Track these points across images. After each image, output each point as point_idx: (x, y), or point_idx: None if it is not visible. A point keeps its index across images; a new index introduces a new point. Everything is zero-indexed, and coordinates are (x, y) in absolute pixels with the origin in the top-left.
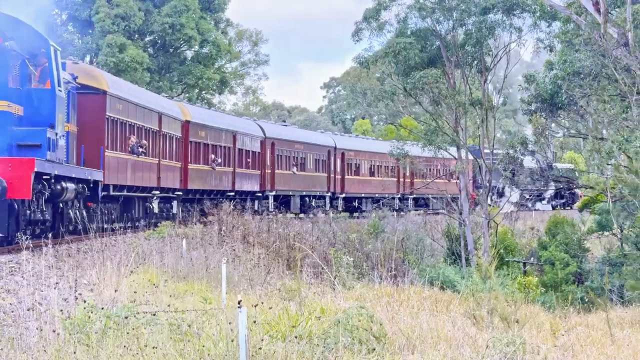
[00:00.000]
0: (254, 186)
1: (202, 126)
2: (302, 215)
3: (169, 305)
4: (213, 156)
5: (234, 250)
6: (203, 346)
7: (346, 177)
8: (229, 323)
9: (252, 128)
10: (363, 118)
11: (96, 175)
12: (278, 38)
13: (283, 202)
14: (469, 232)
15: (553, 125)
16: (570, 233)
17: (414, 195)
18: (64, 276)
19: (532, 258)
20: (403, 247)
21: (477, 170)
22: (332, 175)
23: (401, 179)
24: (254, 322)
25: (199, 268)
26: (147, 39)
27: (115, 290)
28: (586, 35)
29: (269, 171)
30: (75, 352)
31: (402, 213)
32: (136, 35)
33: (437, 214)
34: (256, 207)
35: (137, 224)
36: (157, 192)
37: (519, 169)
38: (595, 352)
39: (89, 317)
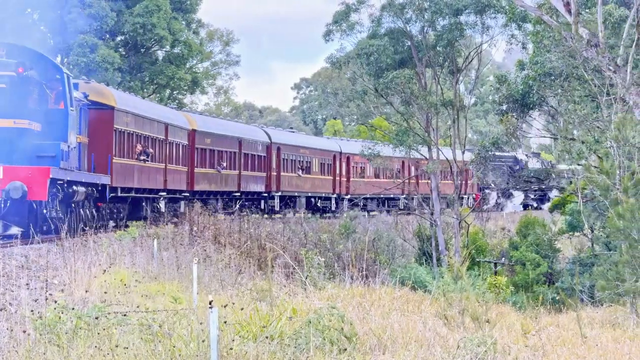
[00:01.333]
0: (259, 187)
1: (208, 134)
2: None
3: (138, 307)
4: (219, 161)
5: (205, 250)
6: (174, 346)
7: (351, 179)
8: (200, 323)
9: (258, 134)
10: (335, 118)
11: (104, 179)
12: (250, 38)
13: (289, 202)
14: (440, 232)
15: (524, 125)
16: (541, 233)
17: (419, 195)
18: (35, 276)
19: (503, 258)
20: (374, 248)
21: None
22: (337, 178)
23: (407, 181)
24: (225, 322)
25: (170, 268)
26: (119, 39)
27: (86, 291)
28: (557, 35)
29: (275, 174)
30: (45, 353)
31: (372, 213)
32: (107, 36)
33: (409, 214)
34: (262, 206)
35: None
36: (164, 193)
37: (489, 169)
38: (566, 352)
39: (60, 318)
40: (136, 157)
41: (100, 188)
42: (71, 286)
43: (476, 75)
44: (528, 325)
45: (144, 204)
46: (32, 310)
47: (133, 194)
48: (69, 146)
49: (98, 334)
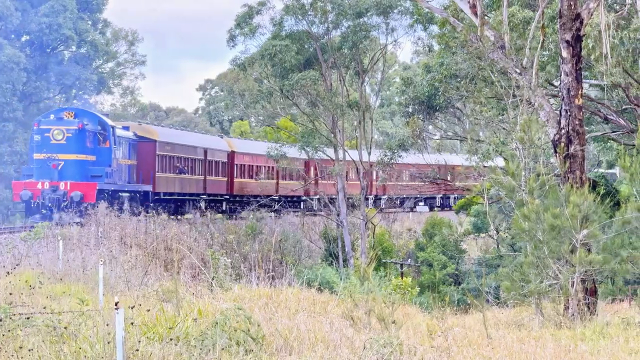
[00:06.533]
0: (298, 192)
1: (245, 154)
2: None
3: (45, 308)
4: (257, 173)
5: (111, 251)
6: (80, 348)
7: (387, 183)
8: (106, 325)
9: (296, 153)
10: (241, 119)
11: (145, 187)
12: (157, 36)
13: (328, 202)
14: (347, 233)
15: (430, 127)
16: (447, 234)
17: (455, 195)
18: None
19: (409, 259)
20: (281, 249)
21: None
22: (374, 183)
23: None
24: (131, 323)
25: (75, 269)
26: (24, 38)
27: None
28: (463, 37)
29: (313, 182)
30: None
31: (280, 215)
32: (12, 35)
33: (315, 215)
34: (302, 207)
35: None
36: (205, 196)
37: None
38: (472, 353)
39: None
40: (177, 171)
41: (142, 193)
42: None
43: (382, 77)
44: (434, 326)
45: (187, 203)
46: None
47: (176, 197)
48: (112, 169)
49: (3, 335)
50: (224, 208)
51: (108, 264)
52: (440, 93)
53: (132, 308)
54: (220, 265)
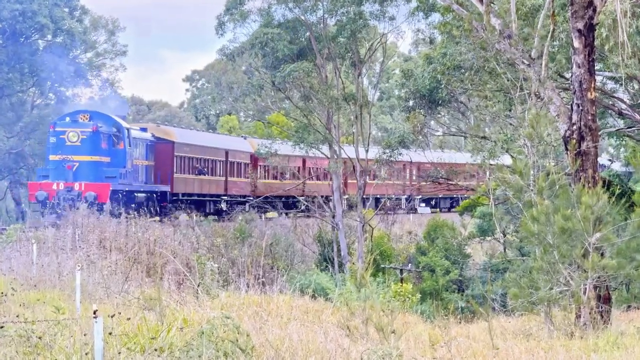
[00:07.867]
0: (325, 192)
1: (270, 155)
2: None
3: (17, 316)
4: (282, 174)
5: (89, 256)
6: (55, 359)
7: (421, 182)
8: (84, 334)
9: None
10: (229, 114)
11: (163, 188)
12: (140, 24)
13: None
14: (343, 236)
15: (432, 122)
16: (450, 238)
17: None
18: None
19: (409, 264)
20: (272, 253)
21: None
22: (408, 182)
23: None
24: (111, 333)
25: (51, 275)
26: None
27: None
28: (467, 26)
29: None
30: None
31: (268, 215)
32: None
33: (308, 217)
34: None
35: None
36: (226, 197)
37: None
38: None
39: None
40: (197, 172)
41: (160, 194)
42: None
43: (381, 68)
44: (436, 336)
45: (207, 204)
46: None
47: (195, 198)
48: (126, 170)
49: None
50: (246, 209)
51: (86, 270)
52: (442, 86)
53: (111, 317)
54: (206, 271)
